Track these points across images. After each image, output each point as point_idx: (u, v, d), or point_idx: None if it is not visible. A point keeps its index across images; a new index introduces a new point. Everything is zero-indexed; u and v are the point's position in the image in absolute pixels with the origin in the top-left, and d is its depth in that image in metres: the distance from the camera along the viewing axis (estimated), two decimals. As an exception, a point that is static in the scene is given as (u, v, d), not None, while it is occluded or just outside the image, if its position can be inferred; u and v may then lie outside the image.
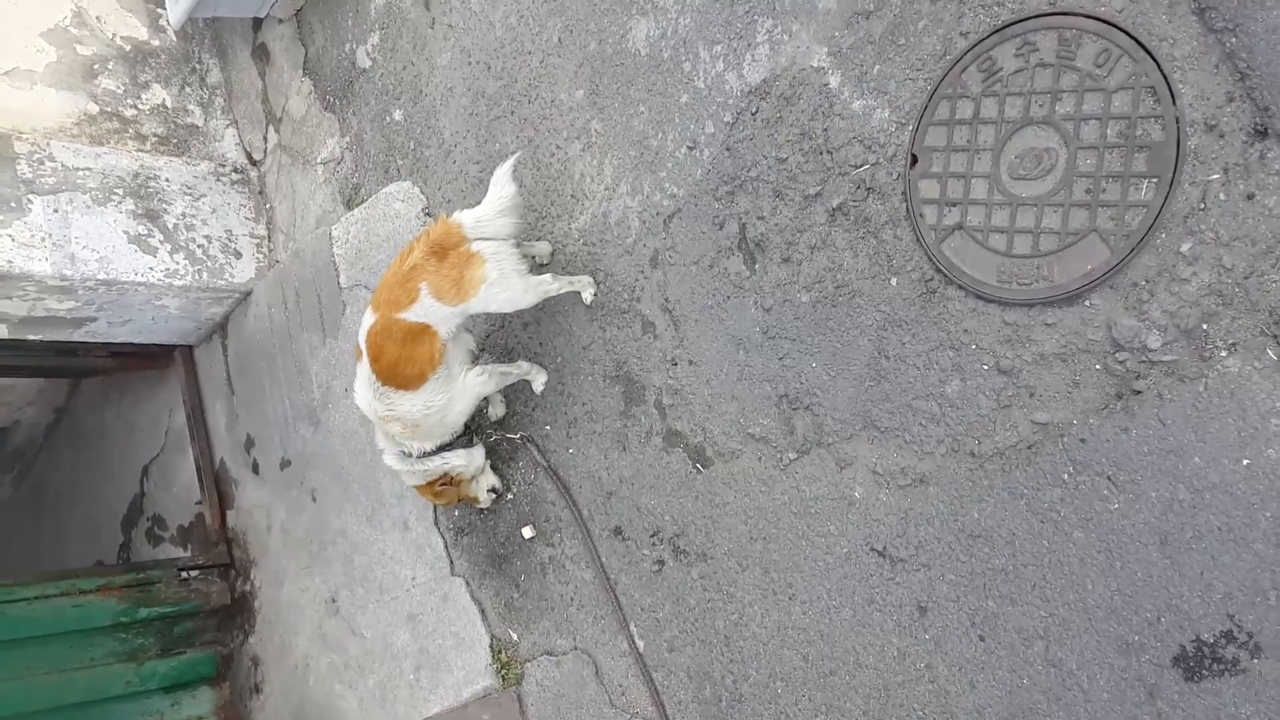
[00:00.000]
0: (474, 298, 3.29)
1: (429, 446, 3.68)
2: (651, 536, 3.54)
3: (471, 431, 3.87)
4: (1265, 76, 2.25)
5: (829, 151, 3.00)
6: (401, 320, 3.30)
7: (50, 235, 4.74)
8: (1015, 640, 2.65)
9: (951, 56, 2.74)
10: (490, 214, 3.29)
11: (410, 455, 3.68)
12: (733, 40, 3.22)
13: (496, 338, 4.05)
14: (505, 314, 3.98)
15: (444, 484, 3.79)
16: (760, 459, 3.23)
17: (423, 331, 3.34)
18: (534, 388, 3.89)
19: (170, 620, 5.60)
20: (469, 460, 3.79)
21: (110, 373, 6.89)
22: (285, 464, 5.30)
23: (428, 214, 4.37)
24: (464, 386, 3.61)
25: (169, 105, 5.54)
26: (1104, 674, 2.50)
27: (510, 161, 3.35)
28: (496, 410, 4.04)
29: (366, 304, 4.53)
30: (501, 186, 3.32)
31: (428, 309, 3.28)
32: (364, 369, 3.45)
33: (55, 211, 4.78)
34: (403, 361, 3.36)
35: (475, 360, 3.78)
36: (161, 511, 6.62)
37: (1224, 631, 2.33)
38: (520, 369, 3.83)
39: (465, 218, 3.27)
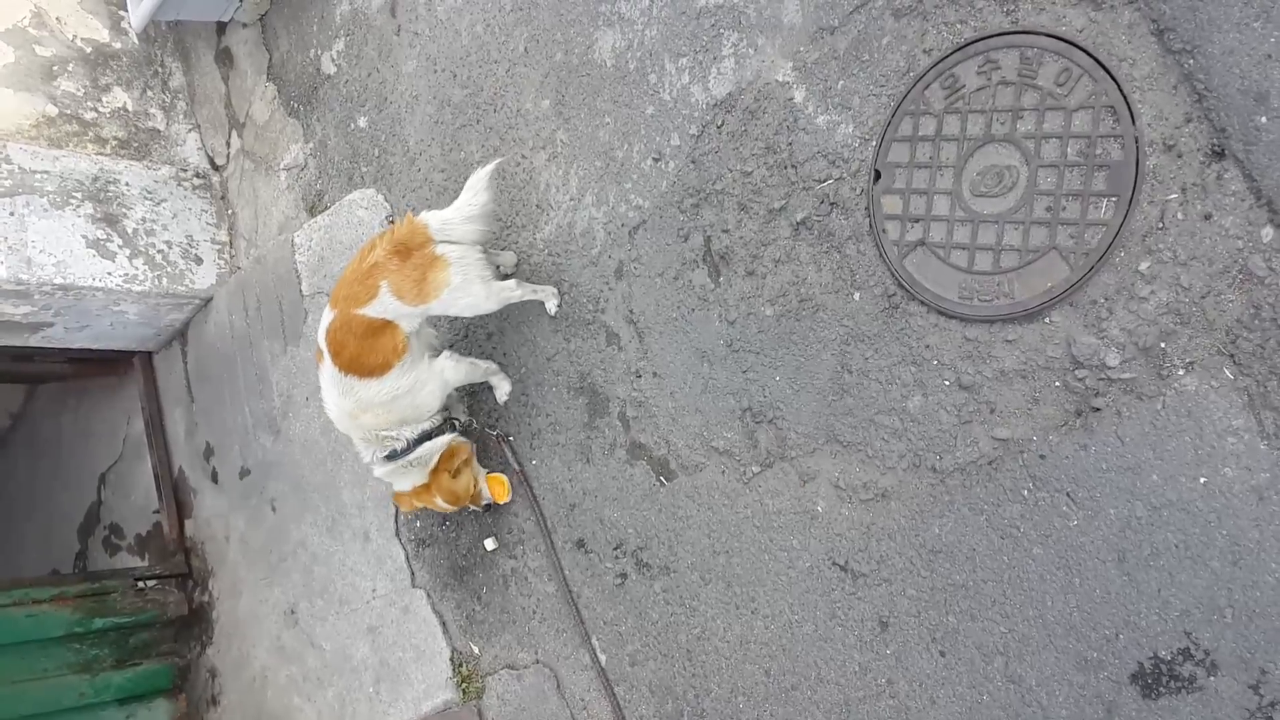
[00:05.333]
0: (434, 300, 3.25)
1: (410, 434, 3.55)
2: (614, 549, 3.52)
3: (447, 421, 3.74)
4: (1222, 98, 2.27)
5: (793, 166, 3.00)
6: (361, 315, 3.24)
7: (6, 238, 4.64)
8: (975, 656, 2.66)
9: (915, 73, 2.75)
10: (458, 218, 3.24)
11: (397, 454, 3.55)
12: (698, 53, 3.22)
13: (460, 347, 4.02)
14: (469, 323, 3.95)
15: (455, 470, 3.62)
16: (724, 472, 3.22)
17: (384, 326, 3.28)
18: (497, 396, 3.86)
19: (126, 631, 5.49)
20: (455, 436, 3.67)
21: (67, 379, 6.78)
22: (245, 473, 5.23)
23: (391, 222, 4.33)
24: (433, 369, 3.53)
25: (130, 108, 5.46)
26: (1063, 690, 2.51)
27: (490, 167, 3.29)
28: (460, 419, 4.00)
29: (328, 312, 4.49)
30: (475, 192, 3.26)
31: (387, 306, 3.22)
32: (327, 369, 3.38)
33: (11, 214, 4.69)
34: (366, 353, 3.29)
35: (437, 353, 3.72)
36: (119, 520, 6.51)
37: (1181, 649, 2.34)
38: (490, 367, 3.79)
39: (432, 219, 3.22)
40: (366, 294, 3.21)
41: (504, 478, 3.86)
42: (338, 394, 3.41)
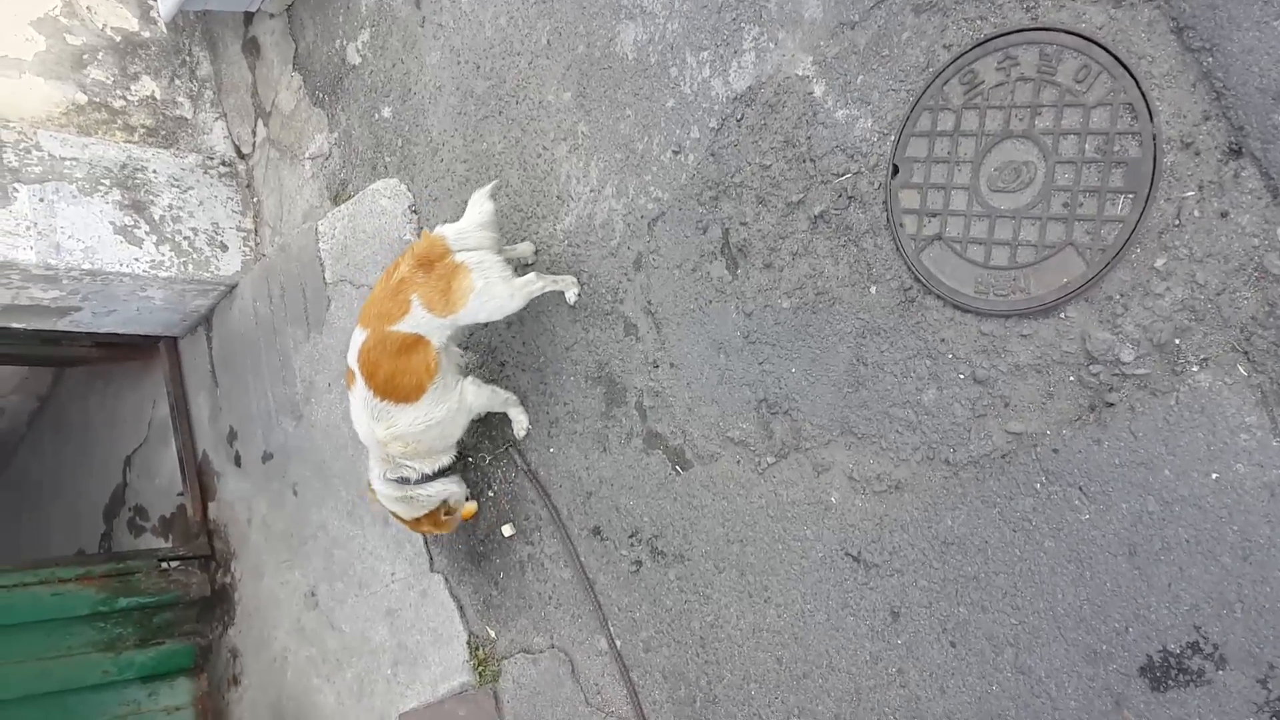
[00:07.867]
0: (463, 308, 3.32)
1: (429, 469, 3.66)
2: (630, 537, 3.56)
3: (459, 459, 3.87)
4: (1240, 96, 2.28)
5: (812, 159, 3.02)
6: (395, 332, 3.32)
7: (35, 224, 4.73)
8: (985, 647, 2.68)
9: (934, 69, 2.76)
10: (471, 227, 3.38)
11: (408, 481, 3.65)
12: (719, 47, 3.24)
13: (480, 335, 4.06)
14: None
15: (447, 512, 3.79)
16: (739, 462, 3.25)
17: (416, 342, 3.35)
18: (516, 430, 3.93)
19: (149, 611, 5.59)
20: (461, 488, 3.82)
21: (94, 362, 6.88)
22: (267, 457, 5.30)
23: (414, 211, 4.38)
24: (460, 395, 3.62)
25: (158, 97, 5.53)
26: (1072, 682, 2.53)
27: (488, 187, 3.48)
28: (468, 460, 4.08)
29: (352, 300, 4.56)
30: (480, 204, 3.44)
31: (420, 320, 3.31)
32: (359, 391, 3.45)
33: (41, 200, 4.77)
34: (399, 373, 3.37)
35: (466, 373, 3.78)
36: (143, 502, 6.61)
37: (1190, 643, 2.36)
38: (510, 398, 3.87)
39: (447, 231, 3.35)
40: (399, 310, 3.30)
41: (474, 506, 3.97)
42: (369, 418, 3.48)
